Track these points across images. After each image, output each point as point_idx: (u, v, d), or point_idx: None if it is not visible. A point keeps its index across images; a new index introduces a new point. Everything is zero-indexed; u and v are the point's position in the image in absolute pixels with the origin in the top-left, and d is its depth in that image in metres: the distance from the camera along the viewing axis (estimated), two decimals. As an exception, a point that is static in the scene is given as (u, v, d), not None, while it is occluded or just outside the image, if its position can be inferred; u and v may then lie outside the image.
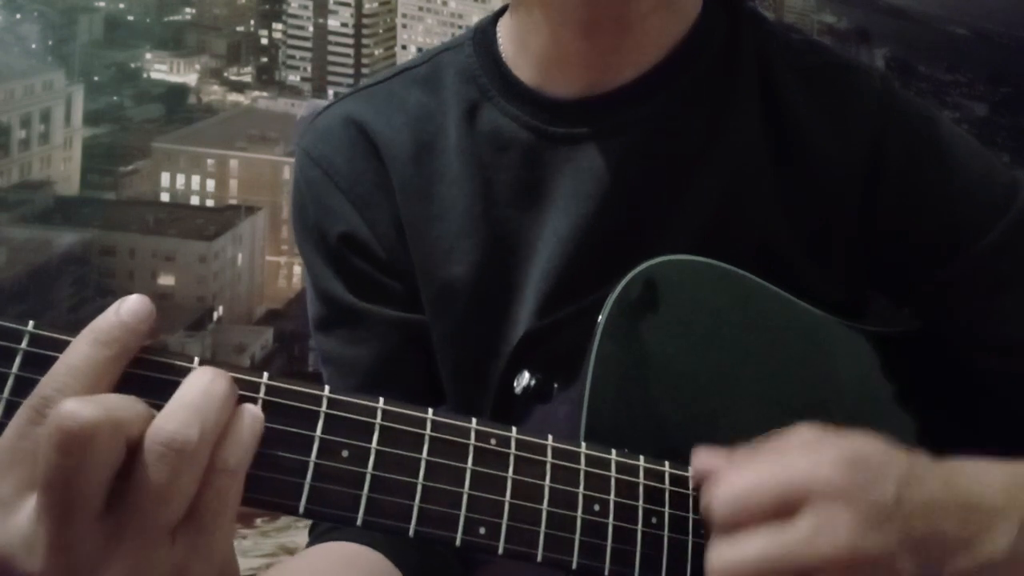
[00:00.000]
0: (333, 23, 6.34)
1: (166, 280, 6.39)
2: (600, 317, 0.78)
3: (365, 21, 6.32)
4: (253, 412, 0.54)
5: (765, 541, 0.65)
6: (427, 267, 0.88)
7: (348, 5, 6.29)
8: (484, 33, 0.92)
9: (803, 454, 0.69)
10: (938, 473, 0.73)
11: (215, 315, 6.26)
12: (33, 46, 6.05)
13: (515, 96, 0.88)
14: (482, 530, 0.64)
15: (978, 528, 0.71)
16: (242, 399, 0.56)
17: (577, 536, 0.67)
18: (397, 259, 0.88)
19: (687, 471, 0.73)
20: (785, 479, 0.64)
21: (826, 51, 0.93)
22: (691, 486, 0.71)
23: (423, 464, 0.63)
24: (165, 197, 6.75)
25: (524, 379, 0.81)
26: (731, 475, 0.69)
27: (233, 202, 6.82)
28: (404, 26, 6.46)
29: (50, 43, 6.09)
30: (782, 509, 0.66)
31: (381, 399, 0.62)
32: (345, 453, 0.60)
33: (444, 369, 0.91)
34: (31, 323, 0.55)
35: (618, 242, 0.85)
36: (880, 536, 0.66)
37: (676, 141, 0.86)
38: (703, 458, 0.72)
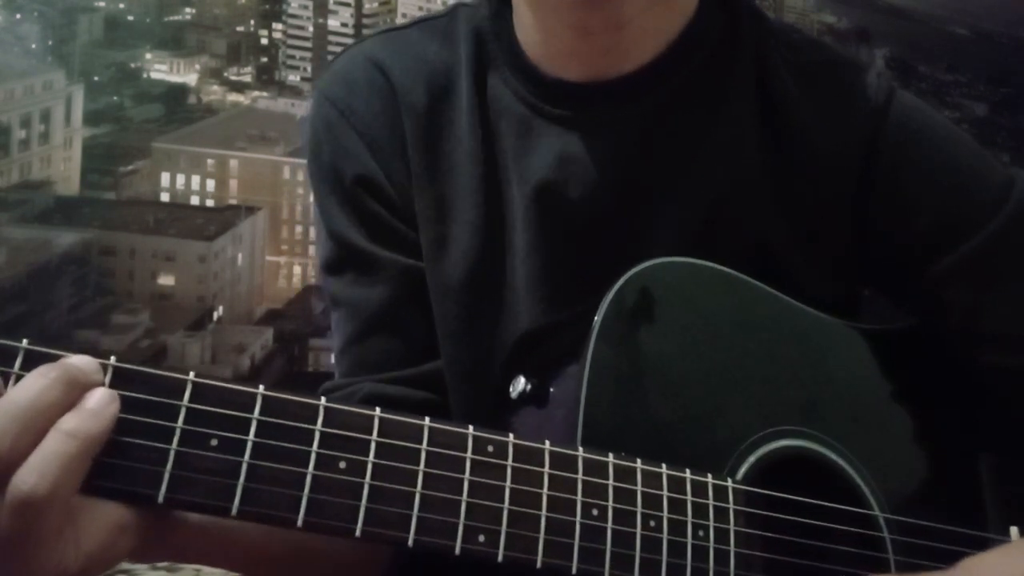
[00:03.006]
0: (333, 23, 6.34)
1: (166, 280, 6.39)
2: (595, 319, 0.77)
3: (365, 21, 6.32)
4: (61, 438, 0.52)
5: None
6: (428, 219, 0.88)
7: (348, 5, 6.29)
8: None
9: None
10: None
11: (215, 315, 6.26)
12: (33, 46, 6.05)
13: (517, 69, 0.87)
14: (481, 538, 0.63)
15: None
16: (231, 416, 0.56)
17: (576, 541, 0.67)
18: (408, 205, 0.88)
19: (684, 473, 0.73)
20: None
21: (825, 48, 0.92)
22: (689, 491, 0.71)
23: (421, 474, 0.62)
24: (165, 197, 6.75)
25: (520, 384, 0.80)
26: None
27: (233, 202, 6.83)
28: (404, 26, 6.46)
29: (50, 43, 6.10)
30: None
31: (378, 408, 0.62)
32: (343, 464, 0.60)
33: (439, 327, 0.90)
34: (25, 340, 0.55)
35: (609, 235, 0.85)
36: None
37: (669, 137, 0.85)
38: None
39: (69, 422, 0.53)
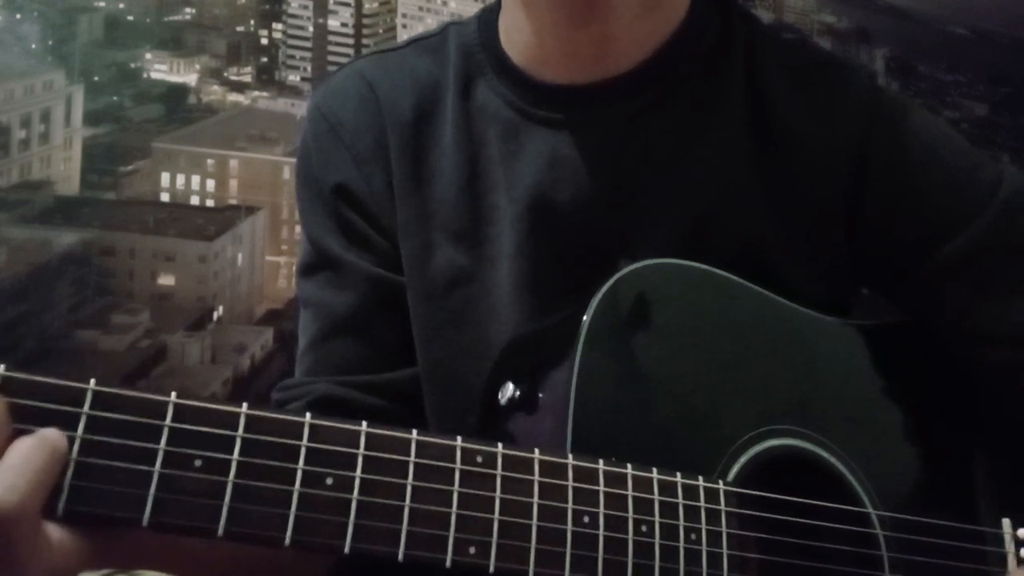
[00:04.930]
0: (333, 23, 6.35)
1: (166, 280, 6.40)
2: (583, 321, 0.77)
3: (365, 21, 6.33)
4: (25, 450, 0.53)
5: None
6: (411, 227, 0.89)
7: (348, 5, 6.29)
8: (490, 12, 0.94)
9: None
10: None
11: (215, 315, 6.27)
12: (33, 46, 6.05)
13: (505, 75, 0.89)
14: (472, 550, 0.63)
15: None
16: (214, 435, 0.56)
17: (568, 550, 0.67)
18: (387, 217, 0.89)
19: (675, 476, 0.73)
20: None
21: (816, 50, 0.93)
22: (680, 495, 0.71)
23: (409, 488, 0.62)
24: (165, 197, 6.76)
25: (508, 390, 0.80)
26: None
27: (233, 202, 6.84)
28: (404, 26, 6.47)
29: (50, 43, 6.10)
30: None
31: (364, 423, 0.62)
32: (329, 480, 0.59)
33: (417, 330, 0.92)
34: (1, 366, 0.54)
35: (598, 237, 0.85)
36: None
37: (659, 138, 0.85)
38: None
39: (30, 438, 0.53)
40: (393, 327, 0.87)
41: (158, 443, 0.54)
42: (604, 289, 0.76)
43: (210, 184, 6.58)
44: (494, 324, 0.84)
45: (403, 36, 6.38)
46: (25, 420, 0.52)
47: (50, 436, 0.52)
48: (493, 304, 0.84)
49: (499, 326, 0.84)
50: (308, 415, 0.58)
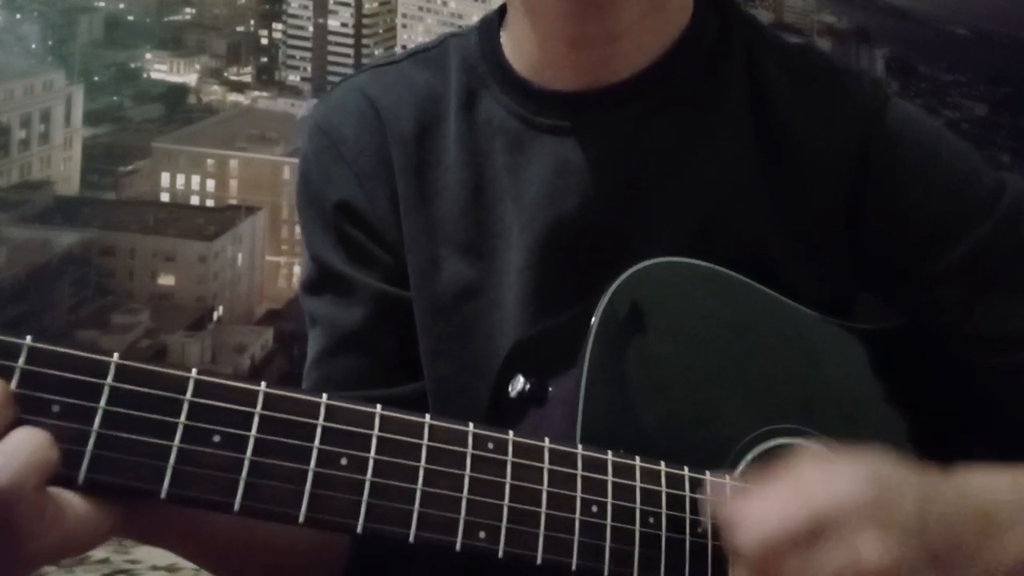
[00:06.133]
0: (333, 23, 6.34)
1: (166, 280, 6.39)
2: (592, 321, 0.78)
3: (365, 21, 6.32)
4: (25, 431, 0.52)
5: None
6: (417, 243, 0.90)
7: (348, 5, 6.29)
8: (489, 24, 0.94)
9: (820, 480, 0.66)
10: (950, 485, 0.72)
11: (215, 315, 6.26)
12: (33, 46, 6.05)
13: (508, 86, 0.89)
14: (482, 534, 0.63)
15: (991, 538, 0.69)
16: (233, 411, 0.56)
17: (576, 538, 0.67)
18: (390, 232, 0.90)
19: (683, 470, 0.73)
20: (809, 511, 0.64)
21: (817, 54, 0.93)
22: (688, 488, 0.71)
23: (421, 470, 0.63)
24: (165, 197, 6.75)
25: (519, 383, 0.80)
26: (753, 513, 0.66)
27: (233, 202, 6.83)
28: (404, 26, 6.46)
29: (50, 43, 6.09)
30: (810, 540, 0.64)
31: (379, 406, 0.63)
32: (344, 460, 0.60)
33: (424, 345, 0.92)
34: (28, 337, 0.54)
35: (605, 241, 0.86)
36: (906, 553, 0.65)
37: (662, 142, 0.86)
38: (715, 492, 0.72)
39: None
40: (399, 342, 0.88)
41: (178, 417, 0.55)
42: (614, 286, 0.77)
43: (210, 184, 6.57)
44: (501, 338, 0.85)
45: (403, 36, 6.39)
46: (49, 390, 0.53)
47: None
48: (500, 317, 0.85)
49: (505, 340, 0.84)
50: (324, 395, 0.59)
